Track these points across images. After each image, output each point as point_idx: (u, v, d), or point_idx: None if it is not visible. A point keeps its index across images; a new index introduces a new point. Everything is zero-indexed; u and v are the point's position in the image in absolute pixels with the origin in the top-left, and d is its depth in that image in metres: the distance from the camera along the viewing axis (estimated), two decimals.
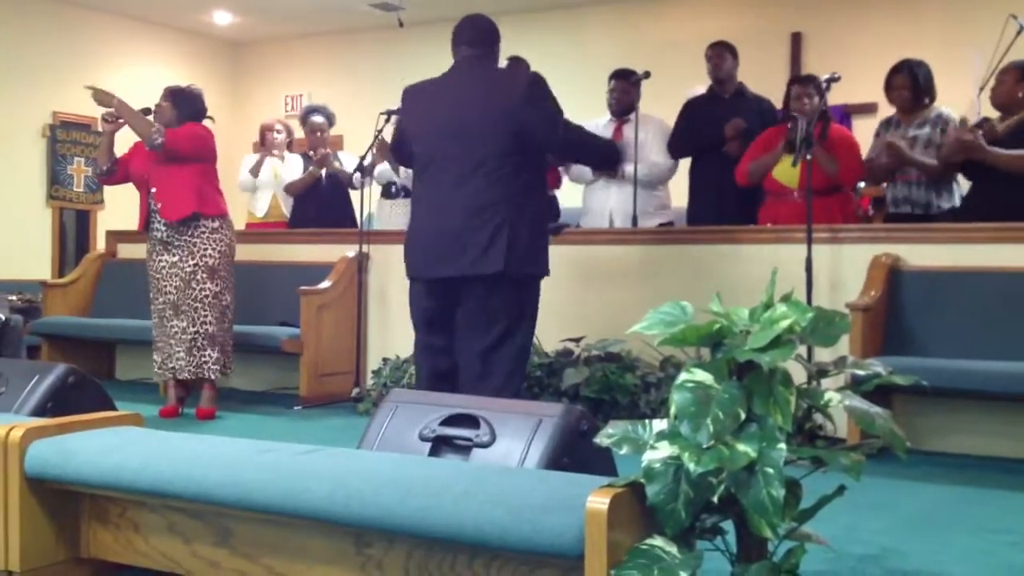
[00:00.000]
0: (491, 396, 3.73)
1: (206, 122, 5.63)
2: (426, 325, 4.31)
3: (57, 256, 9.88)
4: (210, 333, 5.40)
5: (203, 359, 5.40)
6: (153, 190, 5.44)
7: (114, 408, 3.39)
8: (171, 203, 5.39)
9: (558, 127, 4.28)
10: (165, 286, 5.45)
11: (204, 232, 5.42)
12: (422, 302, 4.31)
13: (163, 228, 5.43)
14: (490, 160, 4.14)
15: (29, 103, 9.62)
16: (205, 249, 5.41)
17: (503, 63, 5.90)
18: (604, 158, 4.63)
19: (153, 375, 5.68)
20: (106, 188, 10.09)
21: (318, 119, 7.03)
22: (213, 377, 5.44)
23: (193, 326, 5.38)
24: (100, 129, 5.55)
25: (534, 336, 4.39)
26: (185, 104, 5.53)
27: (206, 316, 5.39)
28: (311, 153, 7.03)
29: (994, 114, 5.39)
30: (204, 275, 5.39)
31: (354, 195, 6.92)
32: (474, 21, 4.46)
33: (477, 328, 4.14)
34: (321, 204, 6.93)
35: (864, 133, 6.59)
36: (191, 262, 5.39)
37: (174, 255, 5.42)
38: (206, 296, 5.40)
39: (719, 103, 6.16)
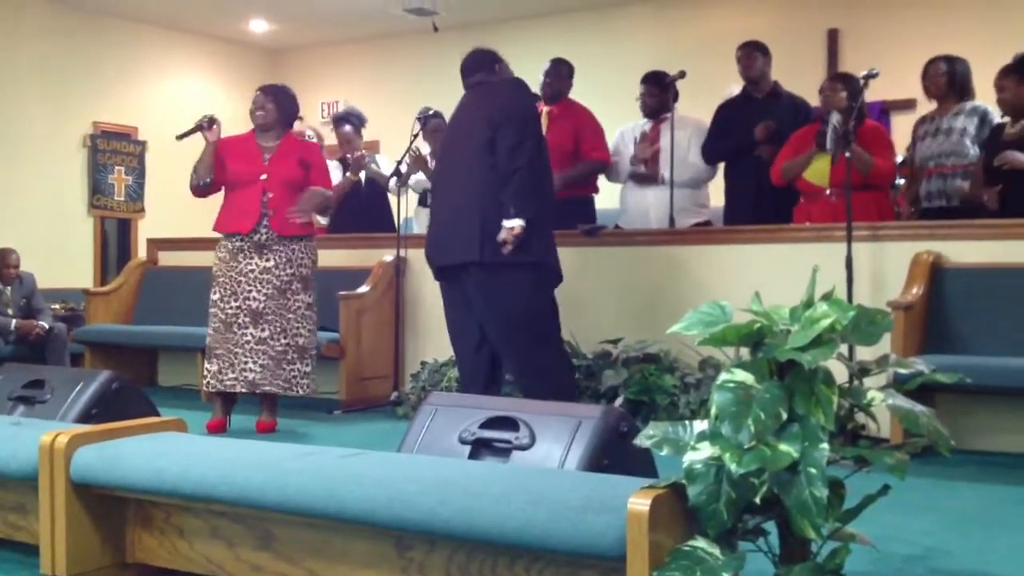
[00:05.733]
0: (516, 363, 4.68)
1: (296, 123, 5.58)
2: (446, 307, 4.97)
3: (99, 264, 10.00)
4: (302, 346, 5.19)
5: (292, 373, 5.16)
6: (270, 195, 5.20)
7: (157, 414, 3.43)
8: (285, 217, 5.20)
9: (514, 156, 4.58)
10: (249, 291, 5.14)
11: (301, 241, 5.26)
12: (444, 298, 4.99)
13: (265, 232, 5.20)
14: (478, 159, 4.64)
15: (70, 113, 9.74)
16: (302, 259, 5.24)
17: (546, 65, 6.32)
18: (514, 200, 4.55)
19: (204, 384, 5.33)
20: (147, 196, 10.25)
21: (346, 129, 7.03)
22: (303, 393, 5.24)
23: (285, 337, 5.14)
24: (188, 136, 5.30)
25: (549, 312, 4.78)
26: (286, 109, 5.40)
27: (299, 328, 5.18)
28: (347, 157, 7.06)
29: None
30: (299, 285, 5.20)
31: (392, 200, 6.95)
32: (469, 56, 5.03)
33: (489, 308, 4.71)
34: (360, 210, 6.93)
35: (903, 129, 6.53)
36: (288, 271, 5.18)
37: (268, 260, 5.17)
38: (299, 307, 5.19)
39: (753, 104, 6.11)
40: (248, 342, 5.13)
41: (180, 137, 5.36)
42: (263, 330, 5.13)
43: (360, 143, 7.12)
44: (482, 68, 4.95)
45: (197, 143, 5.36)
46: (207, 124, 5.27)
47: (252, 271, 5.17)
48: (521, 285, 4.61)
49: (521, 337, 4.64)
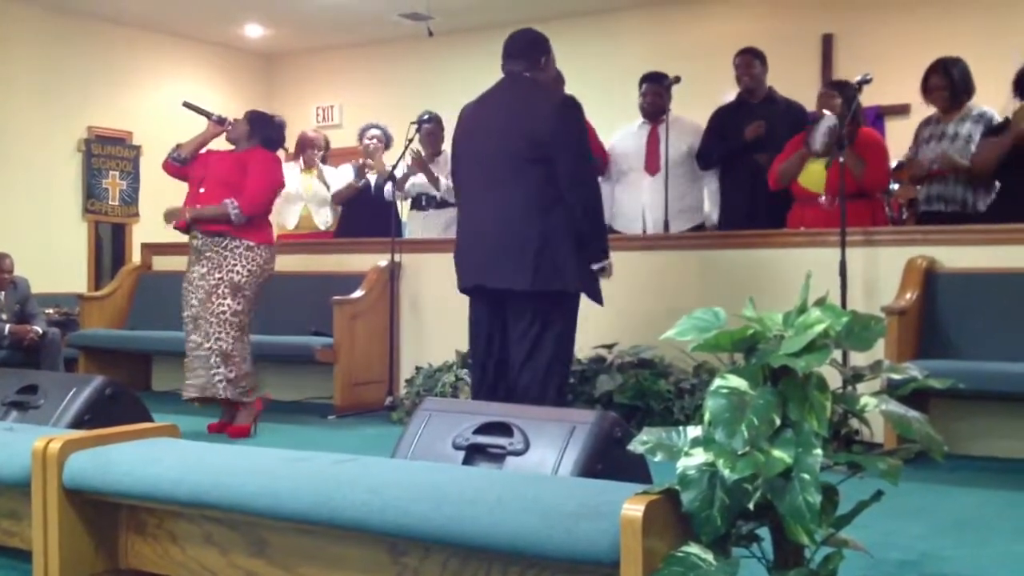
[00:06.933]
0: (530, 388, 4.26)
1: (279, 153, 5.60)
2: (473, 331, 4.51)
3: (93, 269, 9.98)
4: (224, 351, 5.20)
5: (216, 377, 5.21)
6: (202, 190, 5.34)
7: (151, 419, 3.43)
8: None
9: (581, 176, 4.32)
10: (190, 298, 5.31)
11: (238, 249, 5.26)
12: (472, 307, 4.52)
13: (200, 235, 5.31)
14: (523, 176, 4.27)
15: (64, 118, 9.73)
16: (234, 265, 5.24)
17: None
18: (595, 239, 4.43)
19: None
20: (141, 201, 10.23)
21: (374, 131, 7.12)
22: (225, 396, 5.25)
23: (208, 342, 5.21)
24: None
25: (573, 338, 4.53)
26: (259, 128, 5.46)
27: (220, 333, 5.19)
28: (359, 161, 7.09)
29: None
30: (226, 290, 5.20)
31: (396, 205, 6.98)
32: (517, 35, 4.53)
33: (519, 328, 4.34)
34: (370, 215, 6.90)
35: (897, 134, 6.53)
36: (216, 275, 5.22)
37: (204, 266, 5.27)
38: (223, 312, 5.20)
39: (748, 110, 6.11)
40: (192, 348, 5.31)
41: (187, 105, 5.63)
42: (199, 335, 5.27)
43: (381, 149, 7.17)
44: (525, 57, 4.44)
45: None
46: (217, 119, 5.53)
47: (194, 278, 5.34)
48: (566, 312, 4.43)
49: (542, 358, 4.37)
